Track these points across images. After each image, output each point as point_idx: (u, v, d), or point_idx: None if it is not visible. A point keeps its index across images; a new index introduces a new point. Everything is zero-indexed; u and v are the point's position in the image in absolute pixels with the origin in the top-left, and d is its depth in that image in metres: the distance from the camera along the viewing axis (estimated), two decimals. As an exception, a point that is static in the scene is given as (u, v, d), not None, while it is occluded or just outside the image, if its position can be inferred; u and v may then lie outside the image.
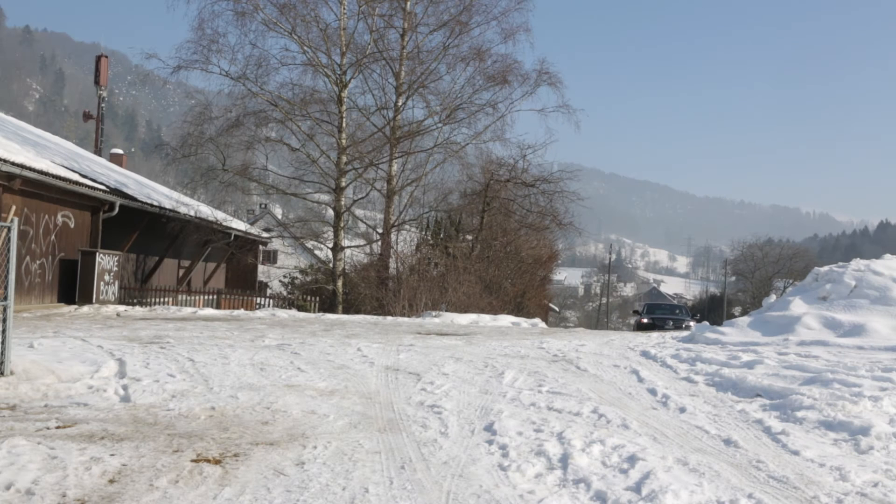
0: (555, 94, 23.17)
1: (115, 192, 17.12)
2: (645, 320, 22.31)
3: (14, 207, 13.20)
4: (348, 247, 22.78)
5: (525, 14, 24.83)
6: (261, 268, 31.74)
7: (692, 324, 20.25)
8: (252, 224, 33.14)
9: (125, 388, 5.10)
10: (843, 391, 5.35)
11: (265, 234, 28.26)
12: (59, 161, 16.56)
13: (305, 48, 20.40)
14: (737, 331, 10.01)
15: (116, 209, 16.62)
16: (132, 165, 39.56)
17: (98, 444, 3.69)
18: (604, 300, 70.31)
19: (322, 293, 21.76)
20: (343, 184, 21.30)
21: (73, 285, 15.35)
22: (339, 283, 21.15)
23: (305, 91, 20.60)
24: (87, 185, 15.22)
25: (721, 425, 4.62)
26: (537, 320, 17.83)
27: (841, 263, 11.67)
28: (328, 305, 20.94)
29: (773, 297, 12.82)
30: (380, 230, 22.77)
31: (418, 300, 18.82)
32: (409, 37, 21.57)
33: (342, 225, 21.73)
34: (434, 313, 17.00)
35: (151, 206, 18.49)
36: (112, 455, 3.49)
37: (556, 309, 44.92)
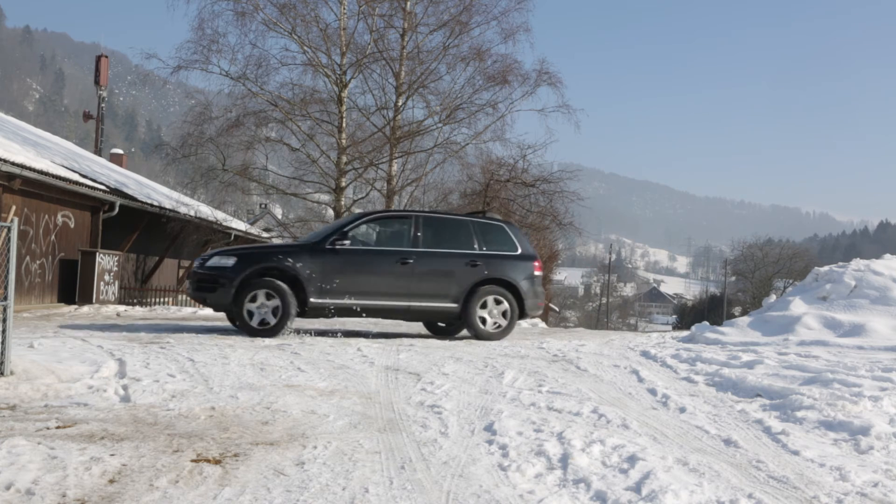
0: (555, 94, 23.12)
1: (115, 192, 17.12)
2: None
3: (14, 207, 13.19)
4: (348, 247, 22.74)
5: (525, 14, 24.73)
6: (261, 268, 31.63)
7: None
8: (252, 224, 33.14)
9: (125, 388, 5.10)
10: (843, 391, 5.35)
11: (265, 234, 28.26)
12: (59, 161, 16.56)
13: (305, 48, 20.40)
14: (737, 331, 10.02)
15: (116, 209, 16.63)
16: (132, 165, 39.58)
17: (98, 444, 3.69)
18: (604, 300, 70.30)
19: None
20: (343, 184, 21.30)
21: (73, 285, 15.35)
22: (339, 283, 21.11)
23: (305, 91, 20.60)
24: (87, 185, 15.22)
25: (721, 425, 4.62)
26: (537, 320, 17.83)
27: (841, 263, 11.67)
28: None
29: (773, 297, 12.83)
30: (380, 230, 22.72)
31: (418, 300, 18.79)
32: (409, 37, 21.56)
33: (342, 225, 21.69)
34: (434, 313, 16.98)
35: (151, 206, 18.50)
36: (112, 455, 3.49)
37: (556, 309, 44.94)
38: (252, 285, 8.75)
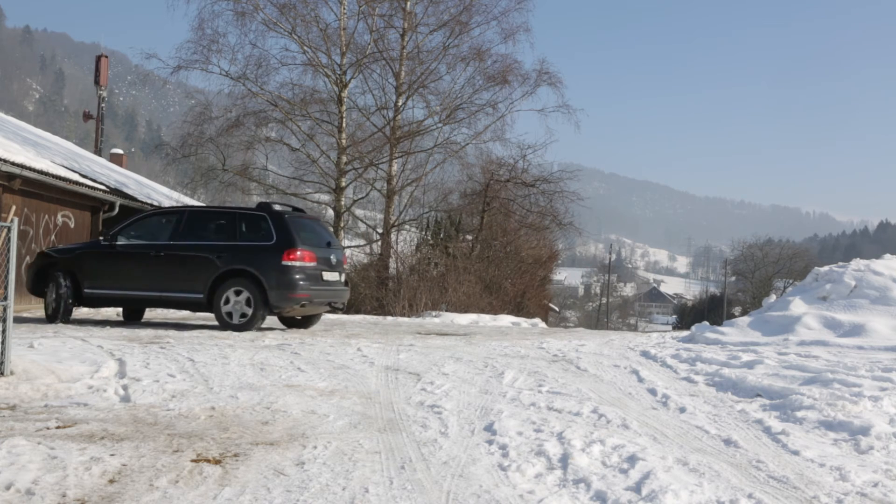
0: (555, 94, 23.22)
1: (115, 192, 17.13)
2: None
3: (14, 207, 13.20)
4: (348, 247, 22.78)
5: (525, 14, 24.82)
6: (261, 268, 31.59)
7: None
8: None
9: (125, 388, 5.10)
10: (843, 391, 5.35)
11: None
12: (59, 161, 16.55)
13: (305, 48, 20.42)
14: (737, 331, 10.02)
15: (116, 209, 16.64)
16: (132, 165, 39.52)
17: (98, 444, 3.69)
18: (604, 300, 70.30)
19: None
20: (343, 184, 21.33)
21: (73, 285, 15.32)
22: (339, 283, 21.09)
23: (305, 91, 20.64)
24: (87, 185, 15.22)
25: (721, 425, 4.62)
26: (537, 320, 17.85)
27: (841, 263, 11.67)
28: (328, 305, 20.89)
29: (773, 297, 12.83)
30: (380, 230, 22.77)
31: (418, 300, 18.82)
32: (409, 37, 21.57)
33: (342, 225, 21.73)
34: (434, 313, 17.01)
35: (151, 206, 18.49)
36: (112, 455, 3.49)
37: (556, 309, 44.89)
38: (45, 278, 10.17)
